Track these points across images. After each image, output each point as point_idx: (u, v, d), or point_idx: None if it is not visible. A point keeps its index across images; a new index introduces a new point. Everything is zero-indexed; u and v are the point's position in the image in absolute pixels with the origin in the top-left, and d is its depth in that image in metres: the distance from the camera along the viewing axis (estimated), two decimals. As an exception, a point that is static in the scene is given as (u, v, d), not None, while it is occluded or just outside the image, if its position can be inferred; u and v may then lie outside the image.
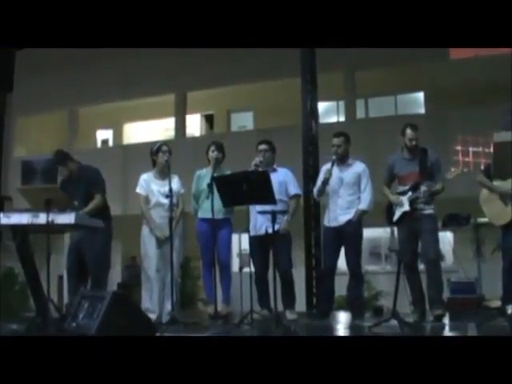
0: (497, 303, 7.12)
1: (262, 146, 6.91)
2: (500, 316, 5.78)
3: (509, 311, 5.79)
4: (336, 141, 6.78)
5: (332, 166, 6.67)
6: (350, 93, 15.45)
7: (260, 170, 6.48)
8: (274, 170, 6.86)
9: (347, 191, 6.74)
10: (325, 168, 6.84)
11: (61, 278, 8.47)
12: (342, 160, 6.78)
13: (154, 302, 6.34)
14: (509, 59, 9.92)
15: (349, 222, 6.68)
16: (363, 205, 6.70)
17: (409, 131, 6.48)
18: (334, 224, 6.77)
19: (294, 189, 6.94)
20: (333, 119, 16.56)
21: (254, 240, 6.73)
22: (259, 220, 6.56)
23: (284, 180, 6.86)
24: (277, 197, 6.42)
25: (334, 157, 6.72)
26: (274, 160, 7.00)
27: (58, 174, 6.32)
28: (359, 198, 6.74)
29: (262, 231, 6.40)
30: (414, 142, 6.46)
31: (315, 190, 7.02)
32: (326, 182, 6.70)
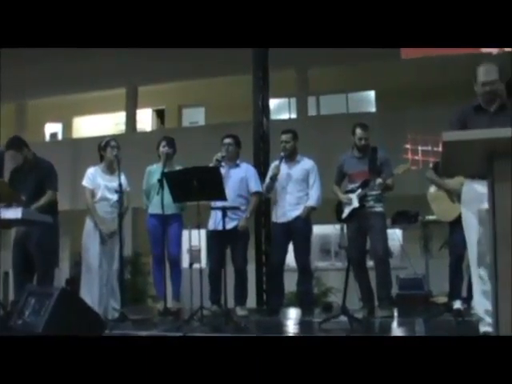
0: (444, 299, 7.24)
1: (227, 140, 6.83)
2: (446, 311, 5.90)
3: (455, 307, 5.88)
4: (284, 137, 6.85)
5: (280, 162, 6.73)
6: (301, 90, 15.56)
7: (223, 164, 6.45)
8: (237, 166, 6.84)
9: (296, 187, 6.80)
10: (273, 164, 6.89)
11: (6, 274, 8.28)
12: (291, 156, 6.83)
13: (95, 298, 6.15)
14: (459, 59, 10.11)
15: (297, 218, 6.73)
16: (311, 201, 6.76)
17: (359, 131, 6.55)
18: (282, 220, 6.82)
19: (255, 186, 6.85)
20: (284, 116, 16.63)
21: (211, 235, 6.70)
22: (219, 215, 6.43)
23: (245, 176, 6.81)
24: (237, 193, 6.47)
25: (282, 153, 6.77)
26: (238, 155, 6.92)
27: (11, 160, 6.13)
28: (308, 194, 6.79)
29: (220, 227, 6.23)
30: (363, 142, 6.52)
31: (264, 186, 7.03)
32: (274, 177, 6.75)
